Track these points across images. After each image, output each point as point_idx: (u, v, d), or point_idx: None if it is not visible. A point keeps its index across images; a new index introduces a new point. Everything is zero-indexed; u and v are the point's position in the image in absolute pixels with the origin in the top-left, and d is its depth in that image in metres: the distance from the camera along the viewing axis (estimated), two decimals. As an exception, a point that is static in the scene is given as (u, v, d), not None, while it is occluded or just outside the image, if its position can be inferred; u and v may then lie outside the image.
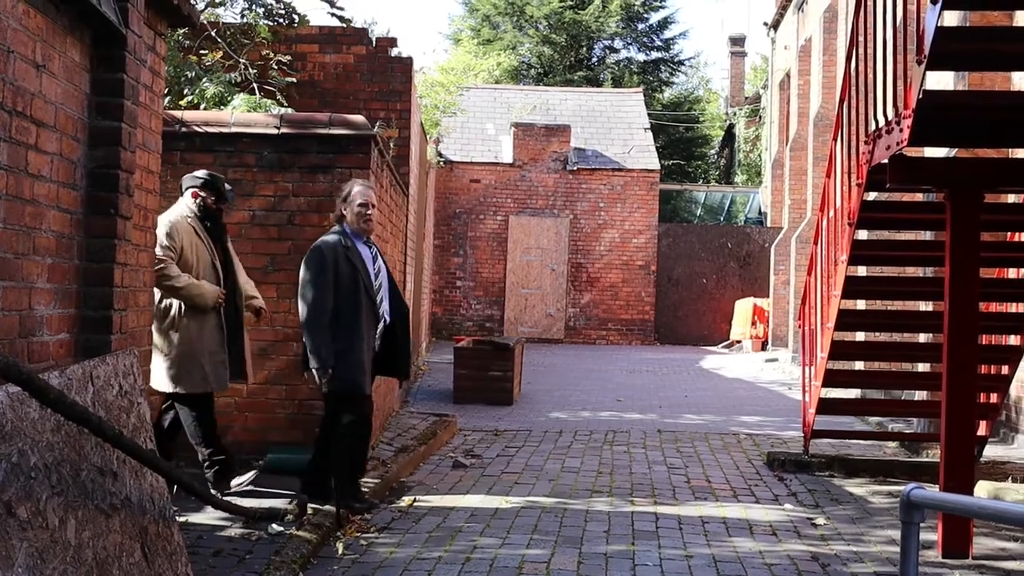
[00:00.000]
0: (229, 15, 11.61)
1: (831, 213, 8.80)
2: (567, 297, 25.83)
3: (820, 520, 7.57)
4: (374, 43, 12.53)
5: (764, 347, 24.07)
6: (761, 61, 43.36)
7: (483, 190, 25.63)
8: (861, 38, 7.56)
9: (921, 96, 6.17)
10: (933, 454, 9.72)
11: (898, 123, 6.51)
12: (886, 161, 6.87)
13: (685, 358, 22.22)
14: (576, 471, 9.30)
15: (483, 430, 11.52)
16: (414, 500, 7.83)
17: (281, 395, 8.17)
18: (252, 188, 8.22)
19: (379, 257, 7.38)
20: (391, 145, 11.69)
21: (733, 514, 7.68)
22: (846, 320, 9.11)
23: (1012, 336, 8.64)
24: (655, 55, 42.27)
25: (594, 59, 41.13)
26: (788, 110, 27.96)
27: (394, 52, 12.57)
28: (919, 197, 9.98)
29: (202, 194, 7.19)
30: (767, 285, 24.88)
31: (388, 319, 7.31)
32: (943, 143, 8.29)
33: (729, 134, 41.92)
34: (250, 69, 10.84)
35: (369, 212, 7.18)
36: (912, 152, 8.55)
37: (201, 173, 7.32)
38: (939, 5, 5.70)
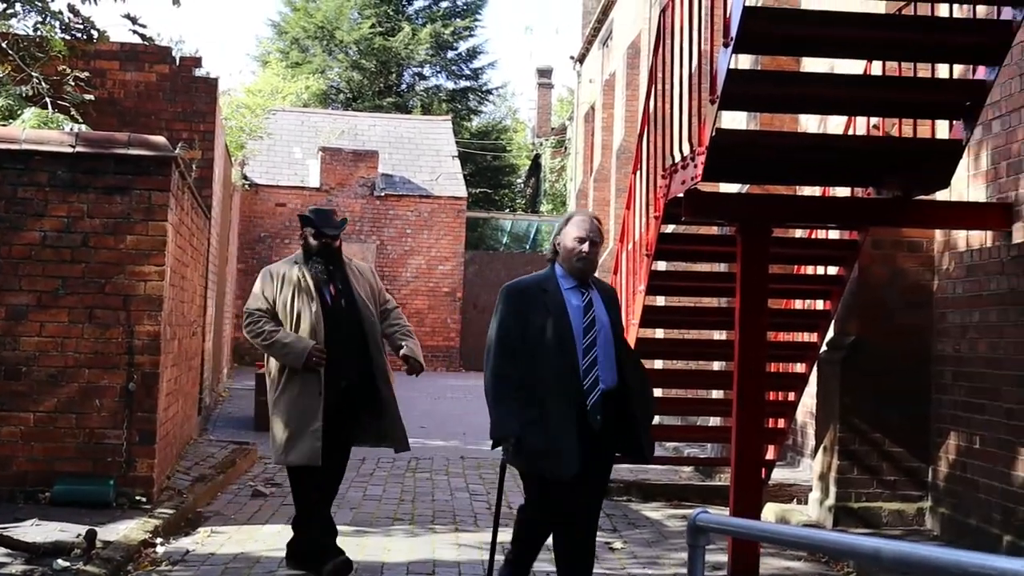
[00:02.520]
0: (22, 27, 11.16)
1: (630, 244, 9.06)
2: (373, 323, 25.68)
3: (617, 544, 7.74)
4: (178, 62, 12.24)
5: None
6: (568, 93, 44.25)
7: (289, 214, 25.30)
8: (659, 76, 7.82)
9: (714, 134, 6.43)
10: (725, 478, 10.07)
11: (693, 159, 6.77)
12: (682, 195, 7.12)
13: (490, 385, 22.35)
14: (378, 499, 9.25)
15: (285, 458, 11.31)
16: (211, 531, 7.63)
17: (71, 423, 7.84)
18: (44, 208, 7.88)
19: (600, 306, 5.40)
20: (193, 167, 11.43)
21: (533, 540, 7.76)
22: (645, 348, 9.36)
23: (798, 364, 9.05)
24: (464, 84, 42.64)
25: (403, 86, 41.21)
26: (593, 142, 28.65)
27: (199, 72, 12.31)
28: (715, 230, 10.39)
29: (305, 231, 6.57)
30: (570, 313, 25.31)
31: (604, 385, 5.24)
32: (736, 179, 8.66)
33: (535, 164, 42.60)
34: (43, 83, 10.44)
35: (586, 250, 5.34)
36: (708, 187, 8.90)
37: (308, 210, 6.82)
38: (731, 48, 5.96)
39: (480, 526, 8.22)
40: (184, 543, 7.23)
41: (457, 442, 13.37)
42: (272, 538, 7.47)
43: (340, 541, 6.59)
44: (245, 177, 23.94)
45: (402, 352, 6.62)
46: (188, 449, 10.76)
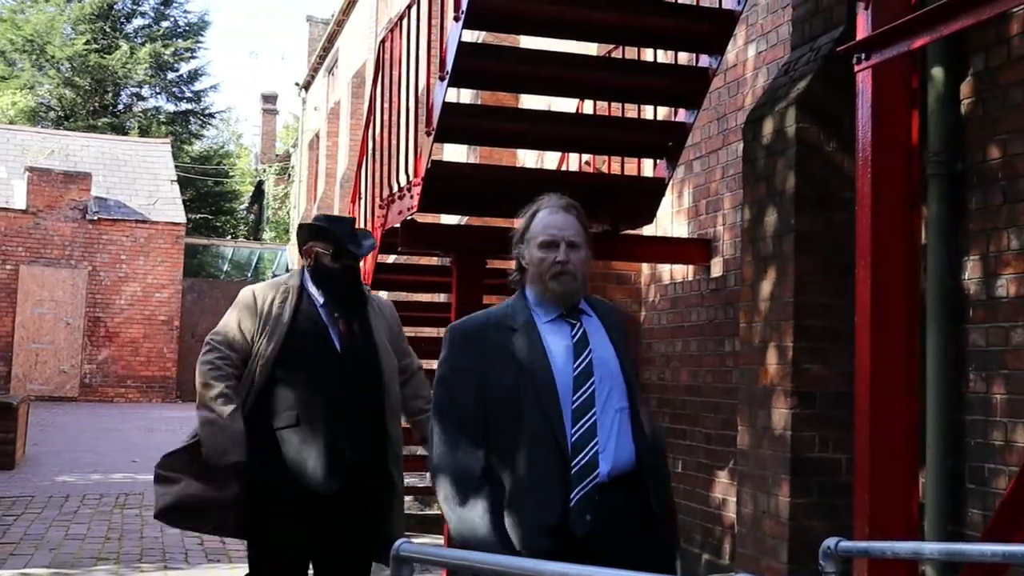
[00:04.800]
0: None
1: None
2: (83, 353, 24.49)
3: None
4: None
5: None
6: (293, 120, 43.82)
7: (-9, 237, 23.84)
8: (378, 106, 7.84)
9: (429, 166, 6.49)
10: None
11: (409, 190, 6.81)
12: (399, 225, 7.15)
13: (208, 416, 21.73)
14: (82, 538, 8.78)
15: (-22, 497, 10.60)
16: None
17: None
18: None
19: (601, 342, 3.34)
20: None
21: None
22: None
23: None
24: (185, 106, 41.45)
25: (120, 106, 39.64)
26: (317, 170, 28.45)
27: None
28: (435, 261, 10.48)
29: (317, 248, 4.59)
30: (293, 342, 24.97)
31: (604, 472, 3.16)
32: (454, 211, 8.77)
33: (259, 190, 41.90)
34: None
35: (561, 258, 3.28)
36: (429, 217, 8.98)
37: (319, 217, 4.76)
38: (446, 82, 6.04)
39: (191, 563, 7.94)
40: None
41: (170, 476, 12.87)
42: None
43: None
44: (-59, 197, 22.39)
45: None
46: None
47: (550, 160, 9.65)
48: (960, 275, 4.90)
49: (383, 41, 7.66)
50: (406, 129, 7.05)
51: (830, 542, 3.13)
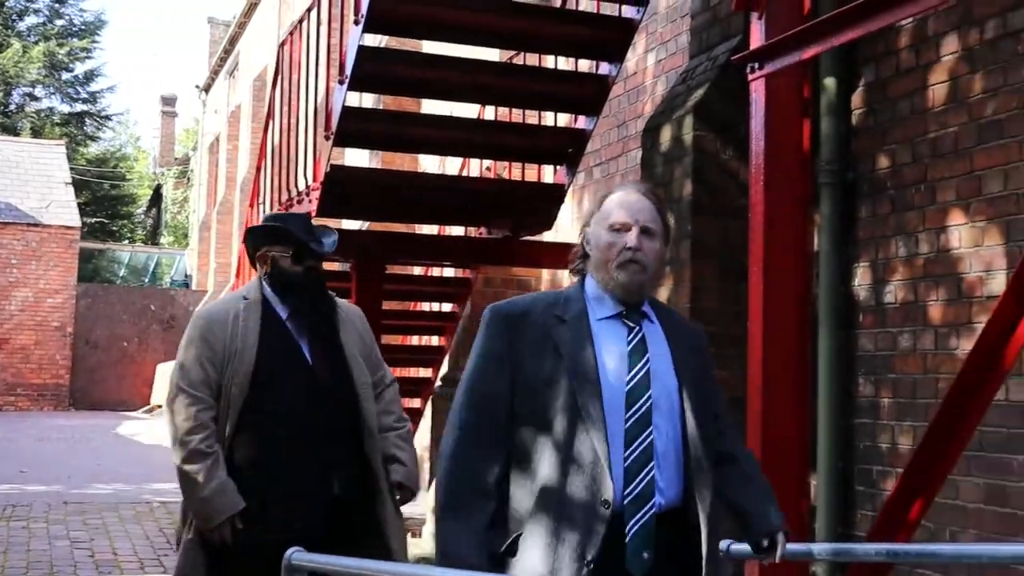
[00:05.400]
0: None
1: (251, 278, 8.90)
2: (-28, 360, 23.81)
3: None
4: None
5: (186, 412, 23.68)
6: (193, 123, 43.17)
7: None
8: (277, 110, 7.76)
9: (329, 170, 6.44)
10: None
11: (308, 194, 6.75)
12: (297, 230, 7.07)
13: (102, 424, 21.26)
14: (-34, 551, 8.51)
15: None
16: None
17: None
18: None
19: (661, 351, 2.84)
20: None
21: (138, 587, 7.42)
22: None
23: (415, 399, 9.19)
24: (80, 107, 40.50)
25: (12, 106, 38.60)
26: (217, 173, 28.06)
27: None
28: (336, 266, 10.40)
29: (274, 252, 3.99)
30: (191, 349, 24.58)
31: (661, 503, 2.68)
32: (355, 216, 8.71)
33: (157, 194, 41.19)
34: None
35: (634, 243, 2.79)
36: (329, 222, 8.90)
37: (270, 217, 4.28)
38: (345, 86, 6.00)
39: None
40: None
41: (60, 487, 12.56)
42: None
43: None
44: None
45: (394, 473, 4.09)
46: None
47: (452, 165, 9.65)
48: (851, 282, 5.01)
49: (283, 44, 7.59)
50: (305, 133, 6.98)
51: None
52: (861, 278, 4.97)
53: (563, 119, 7.44)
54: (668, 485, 2.68)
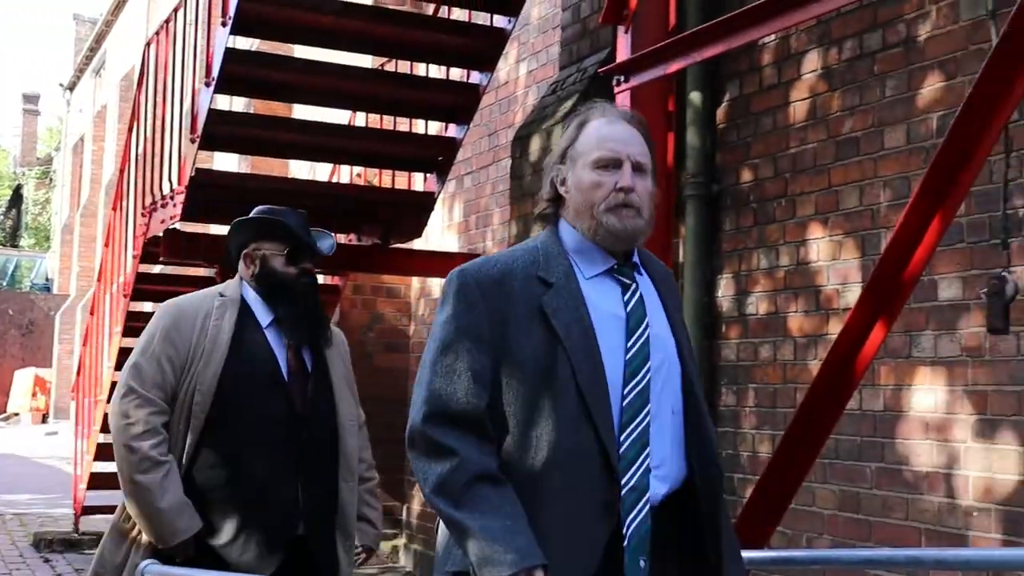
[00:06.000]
0: None
1: (113, 283, 8.67)
2: None
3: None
4: None
5: (45, 420, 23.00)
6: (57, 122, 41.94)
7: None
8: (142, 111, 7.58)
9: (194, 174, 6.30)
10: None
11: (173, 198, 6.60)
12: (161, 234, 6.91)
13: (-45, 433, 20.48)
14: None
15: None
16: None
17: None
18: None
19: (656, 311, 2.41)
20: None
21: (-12, 602, 7.15)
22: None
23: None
24: (-64, 104, 39.07)
25: None
26: (81, 175, 27.32)
27: None
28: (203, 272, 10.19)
29: (265, 250, 3.52)
30: (51, 355, 23.86)
31: (659, 495, 2.29)
32: (221, 220, 8.51)
33: (17, 195, 39.90)
34: None
35: (629, 184, 2.33)
36: (197, 227, 8.73)
37: (263, 209, 3.67)
38: (212, 88, 5.89)
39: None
40: None
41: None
42: None
43: None
44: None
45: (361, 541, 3.68)
46: None
47: (322, 171, 9.54)
48: (714, 292, 5.10)
49: (148, 44, 7.41)
50: (171, 135, 6.83)
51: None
52: (724, 289, 5.07)
53: (434, 127, 7.42)
54: (667, 470, 2.30)
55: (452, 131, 6.91)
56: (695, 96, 5.17)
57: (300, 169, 11.19)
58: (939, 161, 2.81)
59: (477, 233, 7.83)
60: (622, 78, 4.03)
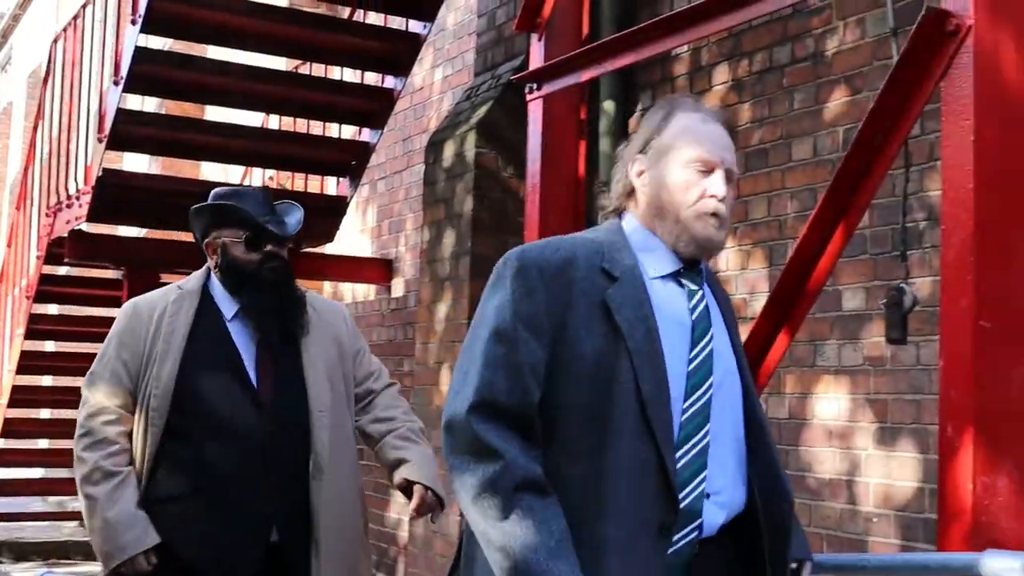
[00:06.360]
0: None
1: (16, 286, 8.49)
2: None
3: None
4: None
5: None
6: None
7: None
8: (49, 109, 7.43)
9: (100, 174, 6.19)
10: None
11: (79, 198, 6.48)
12: (66, 235, 6.78)
13: None
14: None
15: None
16: None
17: None
18: None
19: (718, 323, 2.22)
20: None
21: None
22: (30, 397, 8.80)
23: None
24: None
25: None
26: (-15, 173, 26.65)
27: None
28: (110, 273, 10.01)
29: (224, 238, 3.26)
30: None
31: (714, 525, 2.09)
32: (129, 221, 8.40)
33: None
34: None
35: (721, 193, 2.18)
36: (104, 228, 8.57)
37: (219, 194, 3.39)
38: (120, 87, 5.79)
39: None
40: None
41: None
42: None
43: None
44: None
45: (399, 475, 3.27)
46: None
47: (235, 174, 9.43)
48: (624, 301, 5.12)
49: (55, 40, 7.27)
50: (78, 134, 6.70)
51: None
52: (634, 297, 5.09)
53: (348, 131, 7.37)
54: (727, 497, 2.09)
55: (366, 135, 6.88)
56: (608, 105, 5.20)
57: (213, 171, 11.04)
58: (842, 173, 2.86)
59: (390, 238, 7.80)
60: (535, 86, 4.04)
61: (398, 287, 7.61)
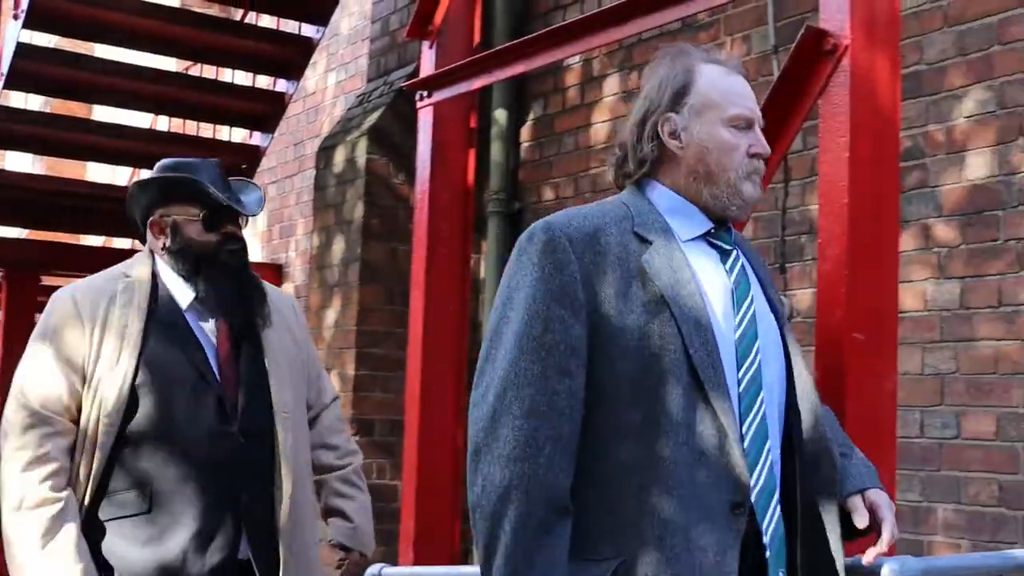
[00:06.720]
0: None
1: None
2: None
3: None
4: None
5: None
6: None
7: None
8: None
9: (-20, 173, 6.03)
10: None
11: (-44, 198, 6.30)
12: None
13: None
14: None
15: None
16: None
17: None
18: None
19: (755, 284, 2.03)
20: None
21: None
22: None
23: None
24: None
25: None
26: None
27: None
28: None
29: (176, 216, 2.80)
30: None
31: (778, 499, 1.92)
32: (11, 222, 8.18)
33: None
34: None
35: (763, 152, 2.06)
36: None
37: (167, 166, 2.87)
38: (0, 84, 5.65)
39: None
40: None
41: None
42: None
43: None
44: None
45: (336, 534, 3.04)
46: None
47: (122, 175, 9.24)
48: (514, 309, 5.15)
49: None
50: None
51: (374, 569, 3.15)
52: (523, 306, 5.12)
53: (239, 134, 7.28)
54: (779, 469, 1.93)
55: (257, 139, 6.80)
56: (500, 114, 5.23)
57: (99, 172, 10.81)
58: (723, 186, 2.90)
59: (280, 243, 7.72)
60: (425, 93, 4.04)
61: (288, 293, 7.54)
